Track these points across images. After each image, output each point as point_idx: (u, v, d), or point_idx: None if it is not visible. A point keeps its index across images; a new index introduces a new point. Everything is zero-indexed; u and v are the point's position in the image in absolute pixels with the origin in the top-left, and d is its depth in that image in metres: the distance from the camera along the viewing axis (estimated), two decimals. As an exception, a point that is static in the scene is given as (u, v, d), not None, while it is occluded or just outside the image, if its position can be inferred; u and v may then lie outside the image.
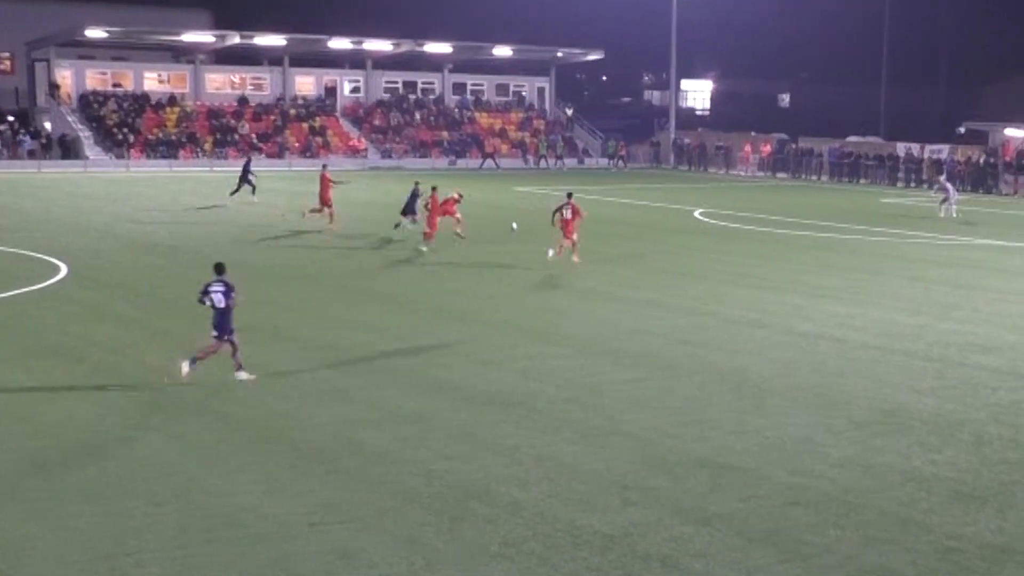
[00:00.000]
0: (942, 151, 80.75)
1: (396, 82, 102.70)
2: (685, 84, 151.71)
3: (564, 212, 37.09)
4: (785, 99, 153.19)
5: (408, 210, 44.03)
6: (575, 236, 37.20)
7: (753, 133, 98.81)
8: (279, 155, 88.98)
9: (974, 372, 24.30)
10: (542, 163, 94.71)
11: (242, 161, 61.70)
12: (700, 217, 54.49)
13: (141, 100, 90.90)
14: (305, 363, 23.89)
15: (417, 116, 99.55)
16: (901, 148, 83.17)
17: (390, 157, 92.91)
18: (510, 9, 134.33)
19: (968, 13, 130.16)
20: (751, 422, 20.20)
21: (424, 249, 40.24)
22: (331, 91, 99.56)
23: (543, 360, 24.62)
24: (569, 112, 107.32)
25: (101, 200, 58.30)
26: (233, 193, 57.00)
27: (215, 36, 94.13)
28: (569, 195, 37.98)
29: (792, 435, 19.47)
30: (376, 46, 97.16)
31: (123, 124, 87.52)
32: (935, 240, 47.42)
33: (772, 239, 46.85)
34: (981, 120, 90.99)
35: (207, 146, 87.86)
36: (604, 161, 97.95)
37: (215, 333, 21.74)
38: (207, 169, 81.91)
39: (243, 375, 22.13)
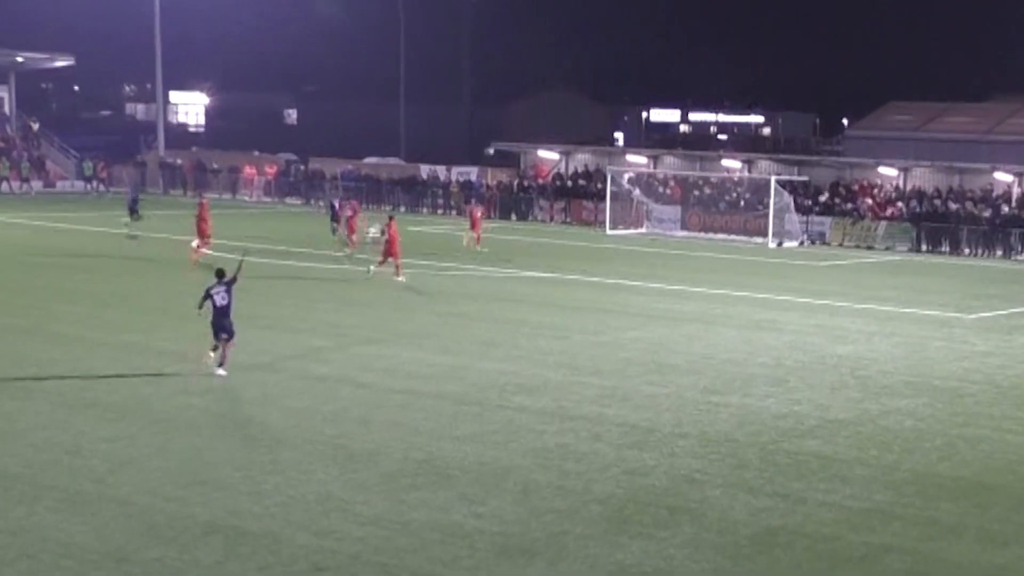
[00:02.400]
0: (470, 173, 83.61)
1: None
2: (175, 96, 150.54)
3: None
4: (292, 115, 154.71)
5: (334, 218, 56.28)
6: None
7: (257, 153, 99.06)
8: None
9: (517, 415, 25.24)
10: (3, 186, 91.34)
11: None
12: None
13: None
14: None
15: None
16: (425, 170, 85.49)
17: None
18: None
19: (489, 29, 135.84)
20: (266, 480, 20.17)
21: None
22: None
23: (13, 418, 23.74)
24: (35, 126, 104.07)
25: None
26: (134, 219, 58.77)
27: None
28: (391, 217, 47.21)
29: (314, 492, 19.58)
30: None
31: None
32: (470, 272, 48.99)
33: (280, 273, 47.01)
34: (510, 140, 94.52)
35: None
36: (80, 184, 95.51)
37: (223, 334, 27.98)
38: None
39: (221, 371, 27.90)
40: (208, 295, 28.23)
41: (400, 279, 44.72)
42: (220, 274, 28.77)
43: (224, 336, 28.05)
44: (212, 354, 28.03)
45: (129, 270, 46.63)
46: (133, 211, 59.64)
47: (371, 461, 21.50)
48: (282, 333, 33.90)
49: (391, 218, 46.76)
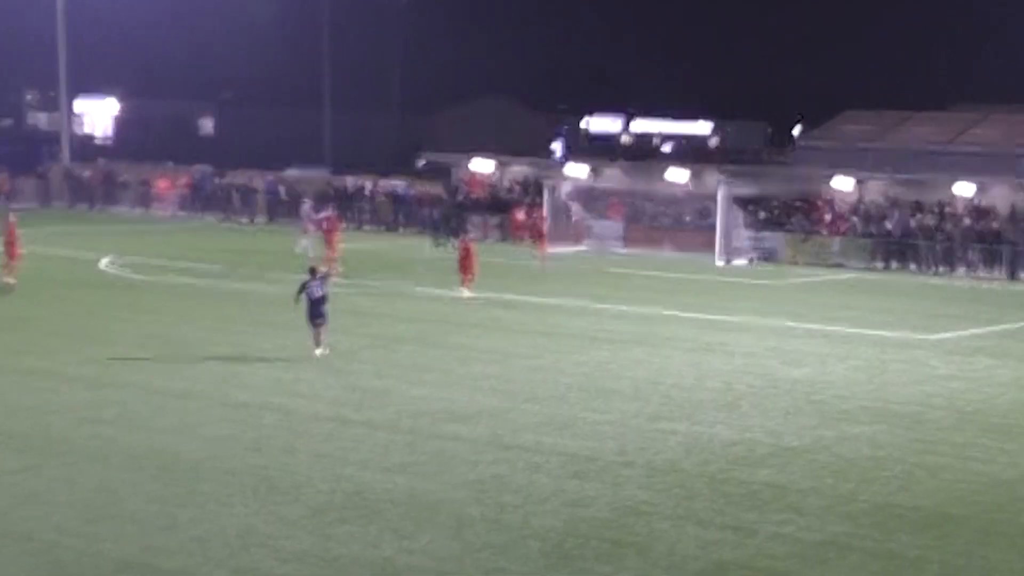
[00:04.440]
0: (399, 186, 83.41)
1: None
2: (80, 105, 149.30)
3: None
4: (208, 124, 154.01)
5: None
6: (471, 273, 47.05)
7: (171, 164, 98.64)
8: None
9: (450, 444, 25.26)
10: None
11: None
12: (106, 268, 53.78)
13: None
14: None
15: None
16: (352, 182, 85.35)
17: None
18: None
19: (419, 32, 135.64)
20: (181, 514, 20.11)
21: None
22: None
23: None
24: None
25: None
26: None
27: None
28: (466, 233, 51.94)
29: (234, 526, 19.54)
30: None
31: None
32: (398, 291, 48.87)
33: (195, 293, 46.88)
34: (441, 151, 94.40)
35: None
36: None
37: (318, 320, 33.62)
38: None
39: (319, 351, 33.44)
40: (304, 288, 33.75)
41: (468, 293, 47.12)
42: (313, 271, 34.71)
43: (319, 321, 33.62)
44: (317, 348, 33.33)
45: (29, 291, 46.19)
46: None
47: (295, 493, 21.46)
48: (196, 356, 33.75)
49: (466, 233, 51.77)
